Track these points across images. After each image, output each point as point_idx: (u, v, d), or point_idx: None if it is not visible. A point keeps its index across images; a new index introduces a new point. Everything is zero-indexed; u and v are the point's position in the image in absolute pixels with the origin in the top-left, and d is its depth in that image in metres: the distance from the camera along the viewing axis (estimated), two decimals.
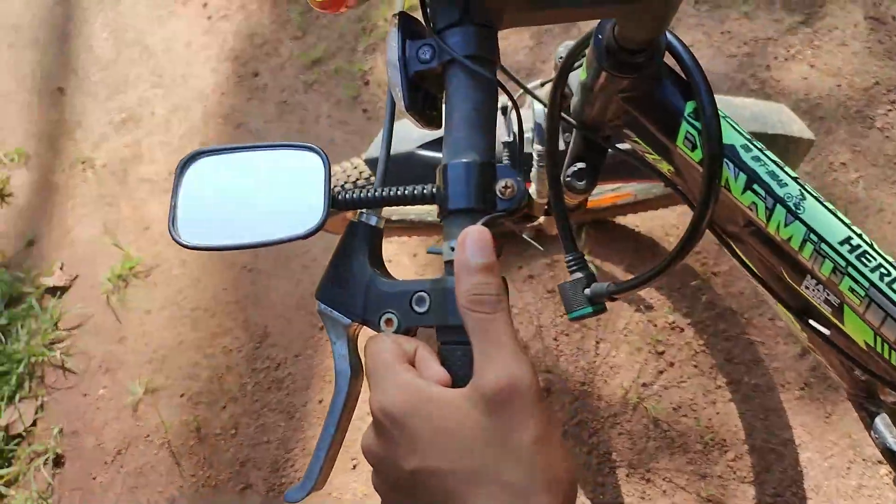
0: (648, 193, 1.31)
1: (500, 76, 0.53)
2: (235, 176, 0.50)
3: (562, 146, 0.81)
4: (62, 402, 1.71)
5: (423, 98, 0.52)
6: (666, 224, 1.51)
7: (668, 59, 0.59)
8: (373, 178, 1.11)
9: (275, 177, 0.50)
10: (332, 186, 0.48)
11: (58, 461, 1.63)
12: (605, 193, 1.33)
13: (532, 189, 1.03)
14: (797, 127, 0.98)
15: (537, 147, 0.94)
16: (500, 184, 0.46)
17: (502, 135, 0.91)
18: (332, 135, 1.88)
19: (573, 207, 0.97)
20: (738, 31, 1.71)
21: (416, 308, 0.46)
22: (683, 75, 0.58)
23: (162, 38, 2.24)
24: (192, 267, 1.80)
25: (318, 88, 1.97)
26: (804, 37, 1.66)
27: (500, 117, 0.92)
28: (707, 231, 0.60)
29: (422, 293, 0.46)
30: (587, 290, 0.64)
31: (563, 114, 0.70)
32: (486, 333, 0.40)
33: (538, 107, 0.92)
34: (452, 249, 0.45)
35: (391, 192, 0.50)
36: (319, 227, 0.47)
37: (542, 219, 1.22)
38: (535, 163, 0.97)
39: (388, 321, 0.47)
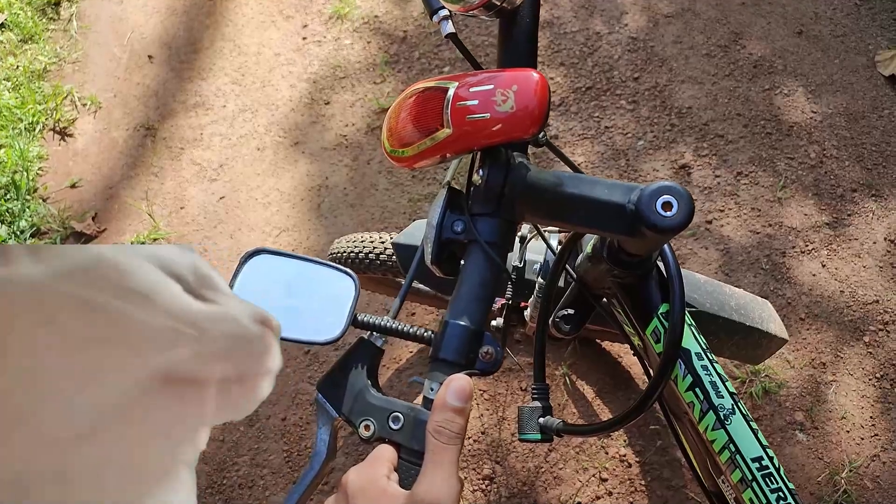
0: None
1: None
2: (285, 277, 0.63)
3: (561, 283, 0.92)
4: None
5: (446, 257, 0.64)
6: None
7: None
8: (391, 258, 1.21)
9: (315, 287, 0.62)
10: (355, 307, 0.61)
11: None
12: None
13: (527, 313, 1.13)
14: (774, 326, 1.08)
15: (539, 280, 1.05)
16: (484, 349, 0.59)
17: (514, 258, 1.03)
18: (377, 180, 2.01)
19: (559, 339, 1.07)
20: (768, 212, 1.83)
21: (392, 424, 0.57)
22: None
23: (256, 42, 2.40)
24: (211, 258, 1.91)
25: (379, 135, 2.10)
26: (825, 237, 1.77)
27: (517, 242, 1.05)
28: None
29: (398, 414, 0.58)
30: (541, 420, 0.74)
31: (567, 265, 0.81)
32: (435, 455, 0.50)
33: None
34: (432, 390, 0.56)
35: (398, 327, 0.63)
36: (338, 339, 0.60)
37: (530, 333, 1.32)
38: (535, 292, 1.07)
39: (367, 427, 0.58)
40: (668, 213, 0.54)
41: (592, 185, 0.59)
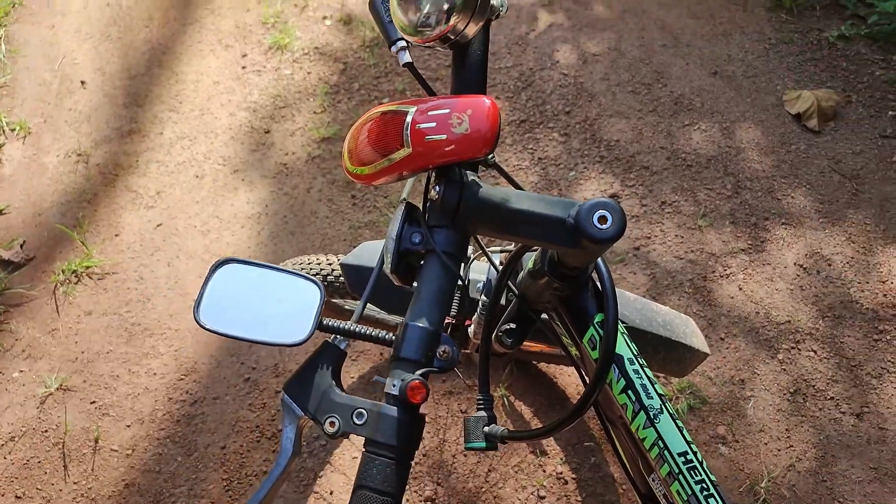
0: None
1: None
2: (254, 285, 0.67)
3: (503, 301, 0.97)
4: None
5: (404, 266, 0.69)
6: (580, 385, 1.67)
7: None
8: (339, 279, 1.25)
9: (283, 294, 0.67)
10: (320, 313, 0.65)
11: None
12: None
13: (471, 330, 1.18)
14: (697, 341, 1.16)
15: (483, 298, 1.10)
16: (441, 349, 0.64)
17: None
18: (317, 208, 2.03)
19: (502, 353, 1.12)
20: (690, 240, 1.95)
21: (356, 420, 0.62)
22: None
23: (195, 69, 2.40)
24: (147, 286, 1.88)
25: (320, 163, 2.13)
26: (741, 262, 1.90)
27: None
28: (594, 410, 0.77)
29: (362, 410, 0.62)
30: (486, 429, 0.78)
31: (509, 282, 0.87)
32: None
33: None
34: (394, 386, 0.61)
35: (362, 330, 0.67)
36: (305, 341, 0.64)
37: (473, 351, 1.37)
38: (479, 309, 1.13)
39: (332, 423, 0.62)
40: (604, 226, 0.61)
41: (537, 201, 0.66)
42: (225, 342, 1.76)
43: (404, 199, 0.73)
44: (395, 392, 0.62)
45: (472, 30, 0.73)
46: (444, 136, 0.66)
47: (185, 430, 1.63)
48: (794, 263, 1.90)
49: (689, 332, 1.17)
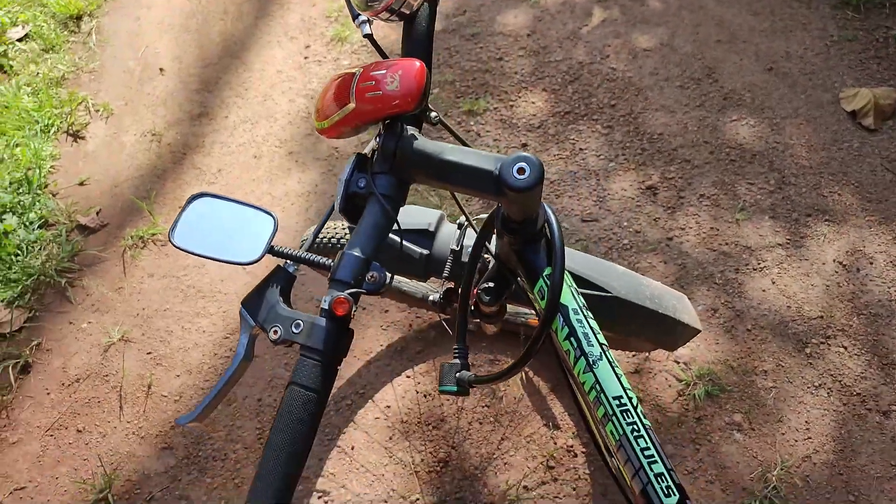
0: None
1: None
2: (221, 215, 0.80)
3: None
4: (49, 322, 1.93)
5: (352, 206, 0.81)
6: None
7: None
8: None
9: (243, 223, 0.80)
10: (272, 240, 0.76)
11: (25, 368, 1.83)
12: (531, 318, 1.58)
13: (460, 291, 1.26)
14: (687, 317, 1.20)
15: (464, 260, 1.19)
16: (370, 274, 0.73)
17: (451, 242, 1.17)
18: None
19: (491, 315, 1.18)
20: (725, 233, 1.95)
21: (294, 329, 0.73)
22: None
23: (261, 59, 2.58)
24: None
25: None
26: (777, 256, 1.89)
27: (455, 230, 1.20)
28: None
29: (299, 321, 0.72)
30: (458, 374, 0.89)
31: (486, 244, 0.95)
32: None
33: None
34: (325, 301, 0.73)
35: (306, 257, 0.78)
36: (255, 262, 0.78)
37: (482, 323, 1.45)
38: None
39: (275, 332, 0.73)
40: (522, 177, 0.70)
41: (468, 154, 0.76)
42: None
43: (356, 154, 0.83)
44: (326, 307, 0.72)
45: (415, 1, 0.82)
46: (379, 93, 0.76)
47: None
48: (834, 260, 1.87)
49: (681, 307, 1.20)
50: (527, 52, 2.48)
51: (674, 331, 1.19)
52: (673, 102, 2.28)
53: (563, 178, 2.11)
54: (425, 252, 1.20)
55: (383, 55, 0.91)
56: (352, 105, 0.79)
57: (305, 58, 2.56)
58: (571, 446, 1.58)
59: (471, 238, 1.20)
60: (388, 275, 0.76)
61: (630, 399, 0.77)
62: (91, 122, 2.45)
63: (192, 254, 0.79)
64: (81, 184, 2.27)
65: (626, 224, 2.00)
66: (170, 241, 0.79)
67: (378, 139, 0.82)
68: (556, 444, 1.59)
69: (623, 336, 1.22)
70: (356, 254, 0.75)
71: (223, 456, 1.63)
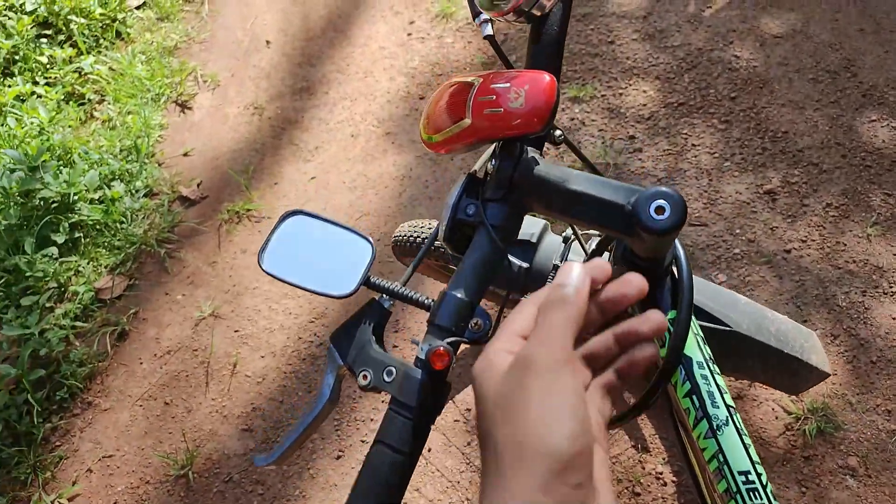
0: None
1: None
2: (314, 236, 0.72)
3: None
4: (147, 292, 1.99)
5: (458, 235, 0.71)
6: None
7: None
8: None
9: (338, 248, 0.71)
10: (368, 270, 0.68)
11: (122, 336, 1.90)
12: None
13: None
14: (817, 358, 1.05)
15: None
16: (474, 320, 0.64)
17: (556, 257, 1.07)
18: (457, 177, 2.08)
19: None
20: (854, 248, 1.75)
21: (385, 377, 0.64)
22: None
23: (365, 34, 2.53)
24: None
25: None
26: None
27: (560, 243, 1.09)
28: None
29: (392, 368, 0.64)
30: None
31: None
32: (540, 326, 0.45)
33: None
34: (422, 350, 0.64)
35: (404, 293, 0.71)
36: (350, 295, 0.69)
37: None
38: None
39: (364, 376, 0.65)
40: (660, 217, 0.57)
41: (596, 184, 0.64)
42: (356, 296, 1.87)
43: (472, 171, 0.74)
44: (423, 356, 0.64)
45: (549, 1, 0.71)
46: (500, 110, 0.65)
47: (308, 368, 1.76)
48: None
49: (809, 346, 1.06)
50: (641, 35, 2.31)
51: (799, 373, 1.05)
52: (803, 97, 2.06)
53: (671, 176, 1.96)
54: (525, 265, 1.08)
55: (508, 64, 0.80)
56: (467, 121, 0.68)
57: (409, 34, 2.49)
58: (661, 473, 1.47)
59: (576, 253, 1.10)
60: (493, 321, 0.67)
61: (759, 476, 0.66)
62: (199, 93, 2.49)
63: (282, 281, 0.71)
64: (185, 154, 2.32)
65: (738, 231, 1.83)
66: (259, 264, 0.72)
67: (493, 161, 0.71)
68: (643, 468, 1.49)
69: (740, 374, 1.09)
70: (459, 295, 0.66)
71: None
